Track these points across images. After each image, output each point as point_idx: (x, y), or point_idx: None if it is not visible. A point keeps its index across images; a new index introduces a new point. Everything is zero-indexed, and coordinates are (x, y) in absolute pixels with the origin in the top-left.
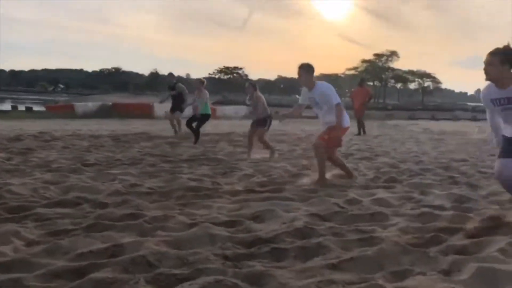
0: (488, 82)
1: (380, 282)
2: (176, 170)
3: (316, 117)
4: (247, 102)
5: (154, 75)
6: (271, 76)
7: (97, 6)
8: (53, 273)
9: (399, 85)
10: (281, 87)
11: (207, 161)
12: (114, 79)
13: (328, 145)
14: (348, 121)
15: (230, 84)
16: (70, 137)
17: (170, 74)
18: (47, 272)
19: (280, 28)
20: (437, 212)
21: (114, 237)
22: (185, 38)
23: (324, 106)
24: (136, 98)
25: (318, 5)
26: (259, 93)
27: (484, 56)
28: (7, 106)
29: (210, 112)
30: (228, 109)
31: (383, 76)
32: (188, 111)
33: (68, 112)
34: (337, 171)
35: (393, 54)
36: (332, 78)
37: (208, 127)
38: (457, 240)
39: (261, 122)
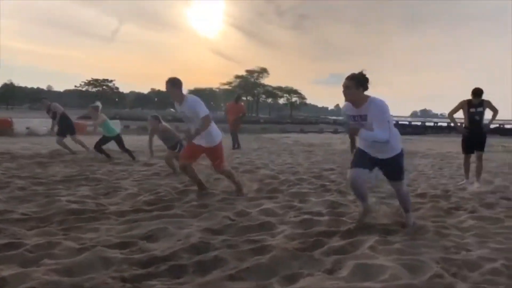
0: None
1: (276, 286)
2: (51, 192)
3: None
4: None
5: (9, 87)
6: (144, 89)
7: None
8: None
9: (269, 100)
10: (155, 100)
11: (85, 181)
12: None
13: (220, 167)
14: (220, 134)
15: (99, 97)
16: None
17: (43, 99)
18: None
19: (152, 41)
20: (316, 218)
21: None
22: (47, 47)
23: (194, 119)
24: None
25: (190, 20)
26: (164, 123)
27: (341, 75)
28: None
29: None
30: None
31: (255, 91)
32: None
33: None
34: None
35: (263, 71)
36: (206, 92)
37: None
38: (335, 242)
39: (173, 147)
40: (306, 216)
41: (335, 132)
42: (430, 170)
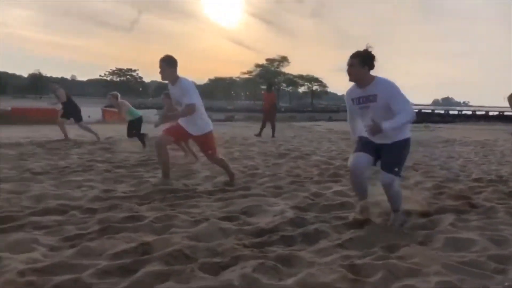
0: (352, 83)
1: (382, 253)
2: (135, 174)
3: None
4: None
5: (37, 77)
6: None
7: None
8: (104, 271)
9: (288, 89)
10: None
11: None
12: None
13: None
14: (210, 124)
15: (123, 86)
16: None
17: (51, 83)
18: (97, 271)
19: (171, 31)
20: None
21: (134, 238)
22: (70, 38)
23: (183, 103)
24: (17, 101)
25: (210, 10)
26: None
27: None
28: None
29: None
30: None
31: (276, 80)
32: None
33: None
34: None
35: (284, 59)
36: (227, 82)
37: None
38: (415, 219)
39: None
40: (379, 197)
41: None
42: (476, 157)
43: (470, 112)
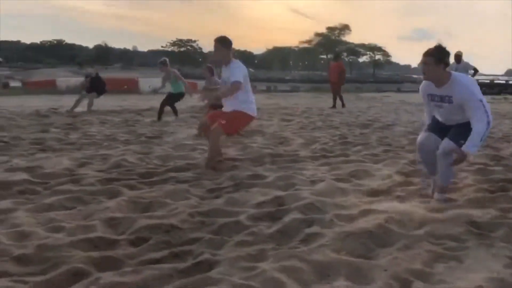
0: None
1: (498, 213)
2: (237, 140)
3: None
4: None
5: (103, 48)
6: None
7: None
8: (255, 217)
9: (348, 59)
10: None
11: (260, 134)
12: (57, 52)
13: (226, 131)
14: (253, 110)
15: (184, 57)
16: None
17: (93, 69)
18: (249, 216)
19: (229, 0)
20: (489, 168)
21: (266, 192)
22: (131, 10)
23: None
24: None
25: None
26: (216, 78)
27: (425, 30)
28: None
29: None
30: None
31: (336, 49)
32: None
33: (49, 88)
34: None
35: (345, 27)
36: (285, 51)
37: None
38: None
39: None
40: (479, 166)
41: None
42: None
43: None
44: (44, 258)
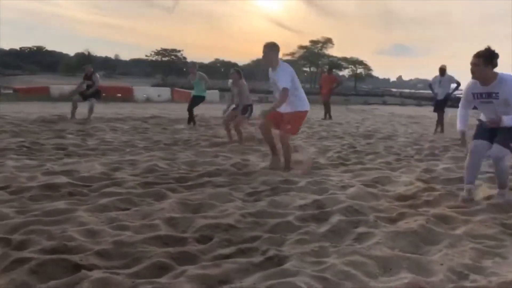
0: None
1: None
2: (254, 148)
3: None
4: (231, 88)
5: (85, 56)
6: (206, 59)
7: None
8: (301, 218)
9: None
10: (221, 71)
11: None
12: (38, 59)
13: (293, 134)
14: (306, 105)
15: (168, 66)
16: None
17: (88, 65)
18: (296, 218)
19: (214, 12)
20: None
21: (303, 196)
22: (113, 18)
23: (279, 88)
24: (68, 80)
25: None
26: (244, 81)
27: (405, 45)
28: None
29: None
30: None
31: (319, 62)
32: None
33: (42, 95)
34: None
35: (328, 41)
36: None
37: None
38: None
39: (243, 110)
40: (490, 175)
41: (419, 105)
42: None
43: None
44: (124, 253)
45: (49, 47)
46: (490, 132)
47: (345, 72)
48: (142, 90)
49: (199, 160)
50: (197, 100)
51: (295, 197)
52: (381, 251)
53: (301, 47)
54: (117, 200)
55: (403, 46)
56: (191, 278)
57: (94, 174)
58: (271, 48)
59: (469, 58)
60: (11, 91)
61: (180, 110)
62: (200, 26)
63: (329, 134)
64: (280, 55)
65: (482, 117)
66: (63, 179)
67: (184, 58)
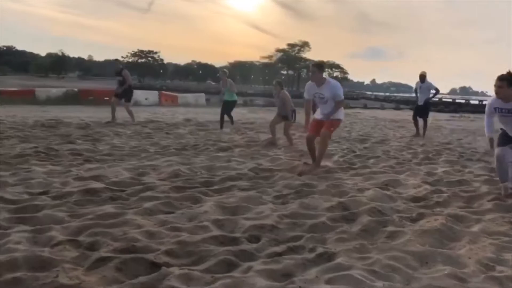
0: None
1: None
2: (262, 153)
3: None
4: (274, 99)
5: (59, 57)
6: (183, 60)
7: None
8: (333, 219)
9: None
10: (199, 73)
11: (273, 146)
12: (8, 59)
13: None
14: (344, 114)
15: (145, 68)
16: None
17: (116, 60)
18: (328, 218)
19: (190, 14)
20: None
21: (328, 198)
22: (86, 18)
23: (329, 101)
24: (41, 81)
25: None
26: (285, 91)
27: (379, 48)
28: None
29: (235, 98)
30: (190, 97)
31: (297, 65)
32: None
33: (28, 98)
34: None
35: (305, 44)
36: (247, 65)
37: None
38: None
39: (286, 117)
40: (486, 178)
41: (397, 108)
42: None
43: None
44: (189, 252)
45: (19, 46)
46: (509, 139)
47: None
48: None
49: (216, 165)
50: (231, 104)
51: (320, 199)
52: (415, 247)
53: (278, 50)
54: (160, 204)
55: (377, 49)
56: (259, 273)
57: (123, 179)
58: (319, 68)
59: (442, 62)
60: None
61: (170, 114)
62: (176, 28)
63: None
64: (257, 58)
65: (503, 127)
66: (98, 185)
67: (161, 59)
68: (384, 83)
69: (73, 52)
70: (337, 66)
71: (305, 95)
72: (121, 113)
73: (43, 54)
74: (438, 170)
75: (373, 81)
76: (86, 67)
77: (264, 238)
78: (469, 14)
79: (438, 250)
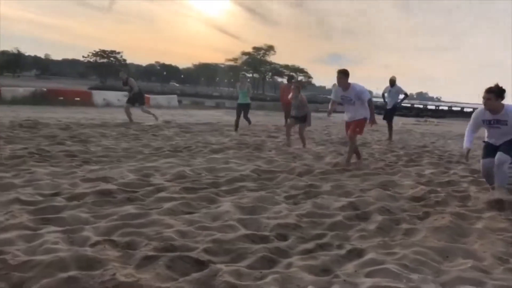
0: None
1: None
2: (257, 155)
3: None
4: (292, 101)
5: (14, 55)
6: (145, 61)
7: None
8: (348, 218)
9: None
10: (163, 74)
11: (264, 148)
12: None
13: (360, 134)
14: (368, 114)
15: (107, 68)
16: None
17: (121, 72)
18: (343, 218)
19: (153, 14)
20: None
21: (336, 199)
22: (44, 16)
23: (357, 102)
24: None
25: None
26: (302, 94)
27: (340, 54)
28: None
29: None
30: (162, 98)
31: (262, 69)
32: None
33: None
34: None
35: (270, 48)
36: (212, 68)
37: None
38: None
39: (303, 119)
40: (472, 178)
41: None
42: None
43: (446, 108)
44: (227, 250)
45: None
46: (494, 151)
47: (285, 80)
48: (101, 94)
49: (216, 167)
50: (245, 107)
51: (330, 199)
52: (433, 242)
53: (244, 53)
54: (179, 205)
55: (338, 55)
56: (300, 268)
57: (131, 180)
58: (345, 74)
59: (399, 68)
60: None
61: (146, 115)
62: (138, 28)
63: (308, 141)
64: (222, 60)
65: (487, 138)
66: (109, 186)
67: (124, 60)
68: None
69: (30, 51)
70: (302, 70)
71: (332, 96)
72: (94, 114)
73: None
74: (425, 172)
75: (335, 85)
76: (43, 66)
77: (292, 236)
78: (426, 21)
79: (456, 245)
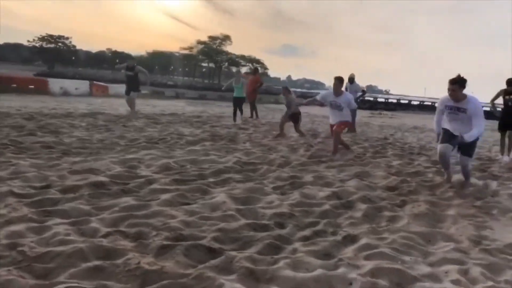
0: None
1: None
2: (232, 147)
3: None
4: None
5: None
6: (96, 48)
7: None
8: (335, 206)
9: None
10: (116, 62)
11: (239, 140)
12: None
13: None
14: (350, 117)
15: (54, 54)
16: (63, 117)
17: (131, 60)
18: (331, 207)
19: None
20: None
21: (320, 189)
22: None
23: (344, 108)
24: None
25: None
26: (292, 95)
27: (294, 46)
28: None
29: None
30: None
31: (218, 58)
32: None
33: None
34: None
35: (226, 38)
36: (166, 56)
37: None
38: None
39: (295, 118)
40: (436, 169)
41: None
42: None
43: (406, 101)
44: (233, 238)
45: None
46: (451, 137)
47: (243, 70)
48: (59, 82)
49: (198, 159)
50: (241, 100)
51: (314, 189)
52: (416, 228)
53: (200, 42)
54: (176, 196)
55: (292, 46)
56: (306, 253)
57: (118, 172)
58: (340, 81)
59: (350, 61)
60: None
61: (108, 105)
62: (88, 13)
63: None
64: (177, 49)
65: (446, 125)
66: (100, 178)
67: (74, 46)
68: (299, 80)
69: None
70: (258, 61)
71: (319, 98)
72: (53, 103)
73: None
74: (393, 163)
75: (289, 77)
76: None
77: (289, 224)
78: (377, 16)
79: (435, 230)
